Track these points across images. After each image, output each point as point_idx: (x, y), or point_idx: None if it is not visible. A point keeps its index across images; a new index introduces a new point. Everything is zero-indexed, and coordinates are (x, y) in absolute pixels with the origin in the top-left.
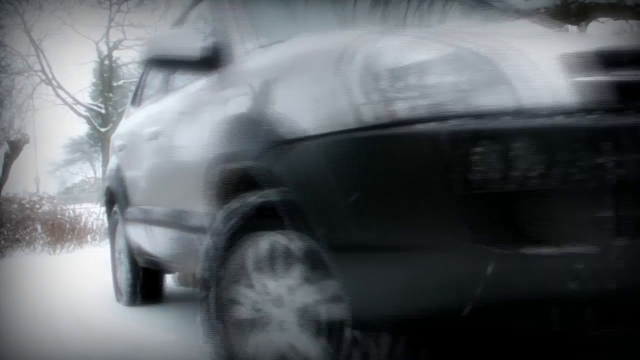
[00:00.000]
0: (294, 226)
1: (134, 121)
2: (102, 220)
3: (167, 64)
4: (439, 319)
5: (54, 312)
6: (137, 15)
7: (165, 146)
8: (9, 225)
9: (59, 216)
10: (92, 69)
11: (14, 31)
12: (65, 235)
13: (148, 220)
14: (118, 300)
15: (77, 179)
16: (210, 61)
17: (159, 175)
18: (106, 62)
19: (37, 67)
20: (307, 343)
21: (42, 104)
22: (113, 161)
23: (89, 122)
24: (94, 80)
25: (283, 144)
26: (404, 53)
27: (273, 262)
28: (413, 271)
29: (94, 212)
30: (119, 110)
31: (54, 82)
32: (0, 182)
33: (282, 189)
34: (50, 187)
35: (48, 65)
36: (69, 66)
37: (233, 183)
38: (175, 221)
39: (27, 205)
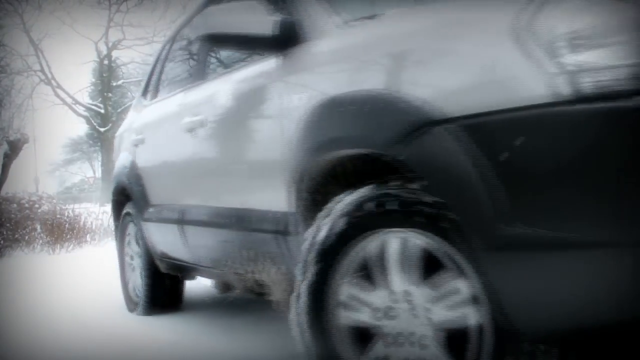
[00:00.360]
0: (436, 223)
1: (155, 113)
2: (102, 220)
3: (231, 41)
4: (623, 328)
5: (54, 312)
6: (137, 15)
7: (220, 136)
8: (8, 225)
9: (58, 216)
10: (92, 68)
11: (13, 31)
12: (64, 235)
13: (183, 220)
14: (130, 310)
15: (77, 179)
16: (286, 38)
17: (209, 169)
18: (105, 62)
19: (37, 67)
20: (434, 352)
21: (41, 104)
22: (125, 158)
23: (88, 121)
24: (93, 80)
25: (425, 127)
26: (595, 16)
27: (398, 263)
28: (611, 272)
29: (93, 212)
30: (119, 110)
31: (53, 81)
32: None
33: (426, 179)
34: (49, 186)
35: (47, 65)
36: (68, 66)
37: (341, 174)
38: (237, 221)
39: (27, 205)
